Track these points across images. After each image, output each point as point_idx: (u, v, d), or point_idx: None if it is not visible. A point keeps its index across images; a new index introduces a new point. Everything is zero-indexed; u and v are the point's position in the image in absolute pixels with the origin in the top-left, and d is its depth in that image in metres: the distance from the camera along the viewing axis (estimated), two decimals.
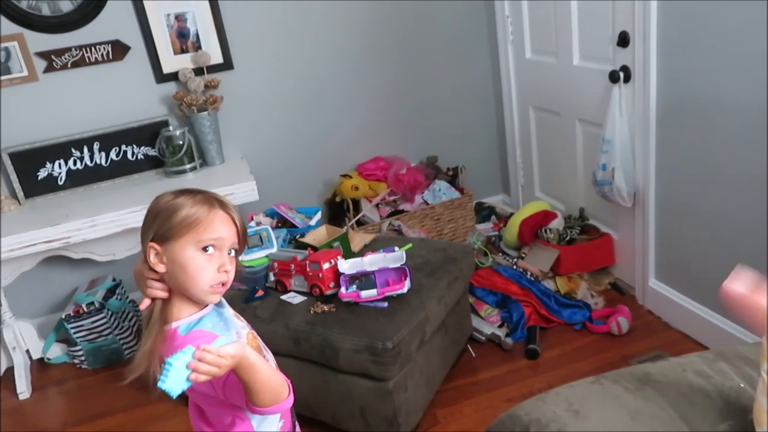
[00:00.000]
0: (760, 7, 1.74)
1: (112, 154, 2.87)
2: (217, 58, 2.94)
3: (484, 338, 2.49)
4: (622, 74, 2.34)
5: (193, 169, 2.86)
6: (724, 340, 2.17)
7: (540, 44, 2.94)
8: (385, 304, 1.93)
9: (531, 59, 3.03)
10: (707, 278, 2.22)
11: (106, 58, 2.79)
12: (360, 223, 3.05)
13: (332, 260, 2.04)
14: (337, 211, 3.18)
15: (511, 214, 3.26)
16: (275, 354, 2.02)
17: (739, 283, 0.97)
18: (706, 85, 2.01)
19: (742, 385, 1.06)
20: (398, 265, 1.99)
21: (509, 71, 3.23)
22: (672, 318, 2.44)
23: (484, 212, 3.38)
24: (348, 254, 2.24)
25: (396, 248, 2.27)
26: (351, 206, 3.07)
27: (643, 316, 2.53)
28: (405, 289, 1.94)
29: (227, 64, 2.97)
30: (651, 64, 2.20)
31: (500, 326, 2.53)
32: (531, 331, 2.47)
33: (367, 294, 1.94)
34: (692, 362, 1.15)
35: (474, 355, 2.44)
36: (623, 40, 2.31)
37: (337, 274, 2.04)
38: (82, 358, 2.77)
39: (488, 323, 2.52)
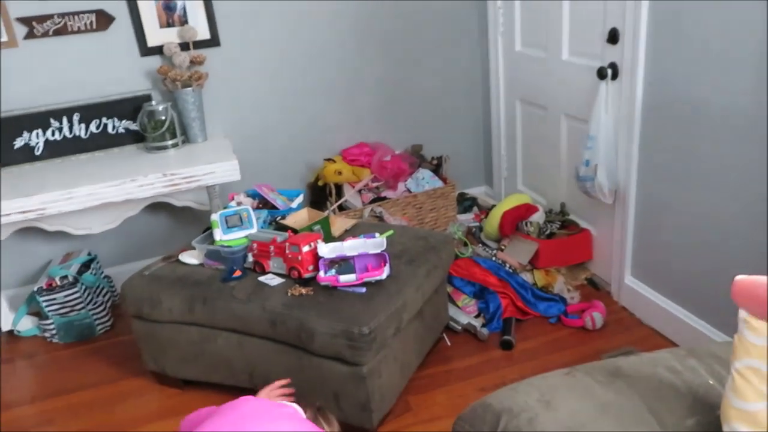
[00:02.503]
0: (750, 11, 1.76)
1: (92, 127, 2.82)
2: (203, 33, 2.89)
3: (460, 328, 2.50)
4: (610, 71, 2.35)
5: (175, 145, 2.82)
6: (694, 338, 2.20)
7: (530, 37, 2.93)
8: (363, 290, 1.93)
9: (520, 52, 3.03)
10: (682, 277, 2.25)
11: (89, 27, 2.72)
12: (342, 208, 3.04)
13: (312, 243, 2.03)
14: (320, 195, 3.16)
15: (493, 205, 3.27)
16: (250, 336, 2.02)
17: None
18: (691, 86, 2.03)
19: (711, 382, 1.08)
20: (378, 251, 1.99)
21: (498, 63, 3.22)
22: (645, 315, 2.47)
23: (466, 203, 3.38)
24: (328, 238, 2.23)
25: (377, 234, 2.26)
26: (333, 191, 3.05)
27: (617, 312, 2.56)
28: (384, 276, 1.94)
29: (214, 41, 2.92)
30: (639, 63, 2.21)
31: (477, 316, 2.55)
32: (507, 322, 2.49)
33: (345, 278, 1.93)
34: (663, 358, 1.17)
35: (449, 343, 2.45)
36: (613, 37, 2.32)
37: (316, 257, 2.03)
38: (54, 332, 2.73)
39: (465, 313, 2.53)
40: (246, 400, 1.47)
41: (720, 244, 2.05)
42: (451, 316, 2.50)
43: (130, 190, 2.50)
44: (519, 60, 3.06)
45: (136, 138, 2.89)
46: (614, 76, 2.35)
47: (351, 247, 2.03)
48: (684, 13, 1.99)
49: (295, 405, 1.51)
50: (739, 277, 0.99)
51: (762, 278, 0.97)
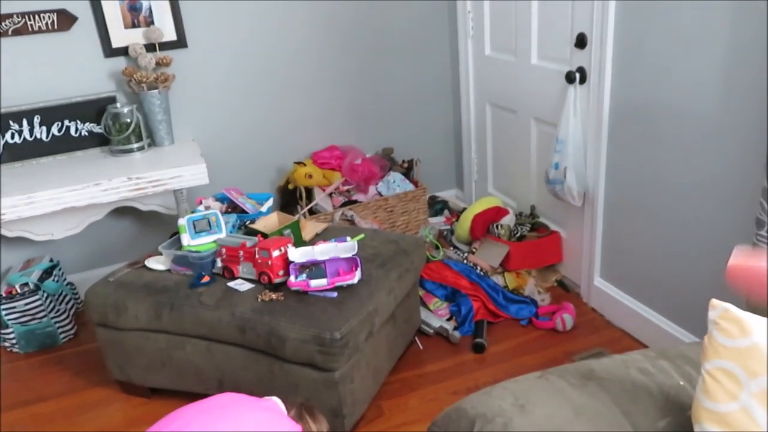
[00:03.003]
0: (716, 16, 1.79)
1: (54, 129, 2.74)
2: (170, 35, 2.84)
3: (432, 331, 2.49)
4: (578, 75, 2.37)
5: (141, 148, 2.75)
6: (663, 339, 2.24)
7: (500, 41, 2.95)
8: (335, 294, 1.91)
9: (490, 56, 3.05)
10: (650, 279, 2.29)
11: (50, 27, 2.65)
12: (312, 212, 3.01)
13: (282, 248, 2.00)
14: (290, 198, 3.13)
15: (464, 209, 3.28)
16: (219, 342, 1.98)
17: (740, 257, 1.00)
18: (657, 90, 2.06)
19: (682, 383, 1.09)
20: (350, 255, 1.97)
21: (468, 67, 3.24)
22: (614, 316, 2.50)
23: (437, 206, 3.38)
24: (299, 242, 2.20)
25: (348, 238, 2.24)
26: (304, 194, 3.02)
27: (587, 314, 2.58)
28: (355, 280, 1.92)
29: (180, 42, 2.87)
30: (606, 67, 2.24)
31: (448, 320, 2.54)
32: (478, 325, 2.49)
33: (316, 283, 1.91)
34: (635, 360, 1.18)
35: (421, 347, 2.45)
36: (581, 42, 2.34)
37: (286, 262, 2.00)
38: (14, 341, 2.64)
39: (437, 316, 2.53)
40: (224, 394, 1.45)
41: (687, 247, 2.08)
42: (423, 319, 2.49)
43: (94, 195, 2.43)
44: (489, 64, 3.07)
45: (100, 141, 2.82)
46: (582, 80, 2.38)
47: (322, 251, 2.00)
48: (650, 18, 2.02)
49: (276, 398, 1.48)
50: (733, 261, 1.02)
51: (758, 256, 0.99)
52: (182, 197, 2.66)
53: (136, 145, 2.74)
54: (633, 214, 2.30)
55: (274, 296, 1.93)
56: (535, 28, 2.64)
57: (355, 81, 3.26)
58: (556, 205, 2.72)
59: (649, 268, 2.28)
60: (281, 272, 1.99)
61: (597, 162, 2.40)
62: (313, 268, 1.99)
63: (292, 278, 1.94)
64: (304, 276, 1.99)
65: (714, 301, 1.01)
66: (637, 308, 2.36)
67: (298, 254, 1.99)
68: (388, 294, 2.02)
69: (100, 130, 2.78)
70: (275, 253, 1.98)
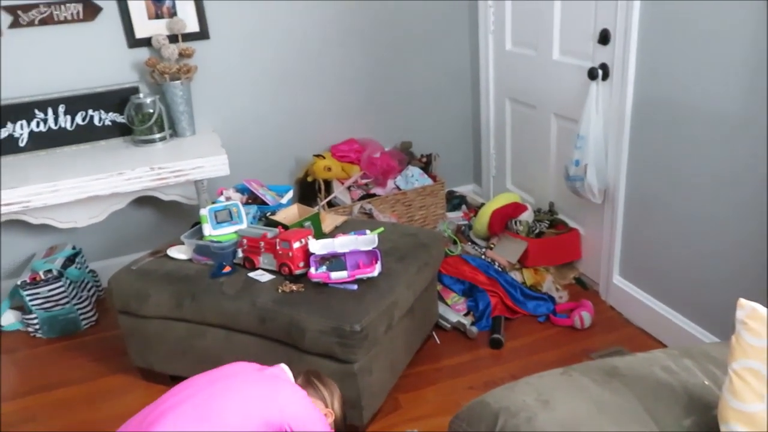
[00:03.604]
0: (743, 13, 1.77)
1: (78, 119, 2.77)
2: (192, 26, 2.86)
3: (449, 326, 2.50)
4: (600, 72, 2.36)
5: (163, 139, 2.78)
6: (682, 337, 2.22)
7: (521, 36, 2.94)
8: (355, 287, 1.92)
9: (511, 51, 3.03)
10: (670, 278, 2.27)
11: (75, 17, 2.68)
12: (331, 205, 3.02)
13: (303, 240, 2.02)
14: (308, 191, 3.14)
15: (482, 204, 3.28)
16: (239, 332, 2.00)
17: None
18: (681, 88, 2.04)
19: (706, 383, 1.08)
20: (370, 248, 1.98)
21: (488, 61, 3.22)
22: (633, 314, 2.49)
23: (455, 201, 3.38)
24: (319, 235, 2.22)
25: (367, 231, 2.25)
26: (323, 187, 3.04)
27: (605, 312, 2.57)
28: (375, 273, 1.93)
29: (203, 34, 2.89)
30: (630, 64, 2.22)
31: (466, 315, 2.55)
32: (496, 321, 2.49)
33: (337, 275, 1.92)
34: (658, 358, 1.17)
35: (439, 341, 2.45)
36: (604, 38, 2.33)
37: (307, 254, 2.01)
38: (37, 326, 2.69)
39: (454, 311, 2.53)
40: (232, 364, 1.60)
41: (709, 246, 2.07)
42: (440, 314, 2.50)
43: (116, 184, 2.46)
44: (509, 59, 3.06)
45: (122, 131, 2.85)
46: (605, 76, 2.36)
47: (342, 243, 2.02)
48: (676, 14, 2.00)
49: (283, 365, 1.56)
50: None
51: None
52: (203, 188, 2.69)
53: (158, 136, 2.76)
54: (653, 211, 2.29)
55: (294, 287, 1.95)
56: (558, 23, 2.63)
57: (375, 75, 3.26)
58: (575, 202, 2.71)
59: (668, 267, 2.27)
60: (301, 264, 2.01)
61: (618, 159, 2.38)
62: (333, 261, 2.01)
63: (312, 270, 1.96)
64: (324, 268, 2.00)
65: (742, 301, 1.01)
66: (656, 307, 2.35)
67: (318, 246, 2.00)
68: (407, 288, 2.03)
69: (123, 120, 2.81)
70: (296, 245, 1.99)
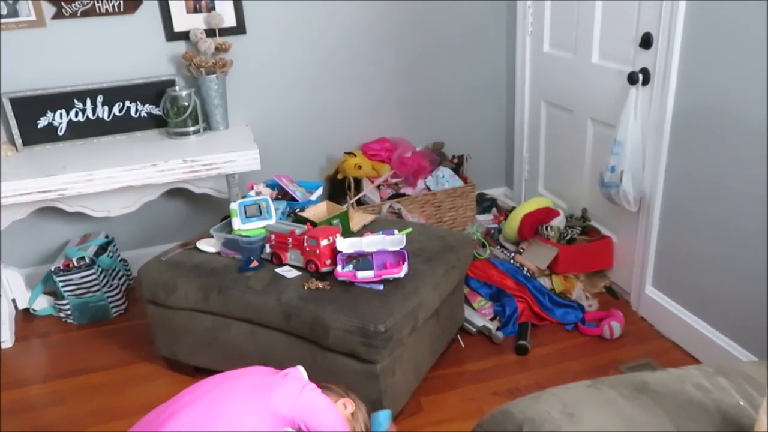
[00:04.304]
0: None
1: (115, 109, 2.81)
2: (230, 21, 2.88)
3: (474, 330, 2.47)
4: (641, 76, 2.30)
5: (197, 132, 2.81)
6: (716, 354, 2.16)
7: (559, 38, 2.89)
8: (381, 287, 1.91)
9: (548, 53, 2.98)
10: (706, 291, 2.21)
11: (116, 10, 2.72)
12: (360, 203, 3.01)
13: (331, 237, 2.01)
14: (338, 188, 3.14)
15: (513, 208, 3.24)
16: (264, 327, 2.01)
17: None
18: (725, 96, 1.98)
19: (741, 403, 1.04)
20: (397, 248, 1.97)
21: (525, 63, 3.18)
22: (664, 327, 2.42)
23: (485, 203, 3.34)
24: (347, 233, 2.21)
25: (395, 231, 2.23)
26: (353, 185, 3.03)
27: (636, 323, 2.51)
28: (402, 274, 1.91)
29: (240, 29, 2.91)
30: (672, 69, 2.16)
31: (492, 319, 2.51)
32: (522, 327, 2.45)
33: (363, 275, 1.91)
34: (691, 375, 1.13)
35: (463, 345, 2.43)
36: (646, 42, 2.26)
37: (334, 251, 2.01)
38: (68, 312, 2.74)
39: (480, 315, 2.50)
40: (248, 368, 1.62)
41: (747, 260, 2.00)
42: (466, 317, 2.47)
43: (150, 175, 2.49)
44: (546, 61, 3.01)
45: (158, 123, 2.88)
46: (645, 81, 2.30)
47: (370, 243, 2.00)
48: (723, 17, 1.94)
49: (300, 367, 1.57)
50: None
51: None
52: (234, 181, 2.71)
53: (192, 129, 2.79)
54: (691, 222, 2.22)
55: (320, 285, 1.95)
56: (598, 26, 2.57)
57: (410, 74, 3.24)
58: (609, 209, 2.65)
59: (705, 280, 2.20)
60: (328, 261, 2.00)
61: (655, 166, 2.32)
62: (360, 260, 2.00)
63: (339, 268, 1.95)
64: (350, 267, 2.00)
65: None
66: (690, 320, 2.29)
67: (346, 245, 1.99)
68: (433, 290, 2.01)
69: (158, 112, 2.85)
70: (323, 243, 1.99)
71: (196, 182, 2.68)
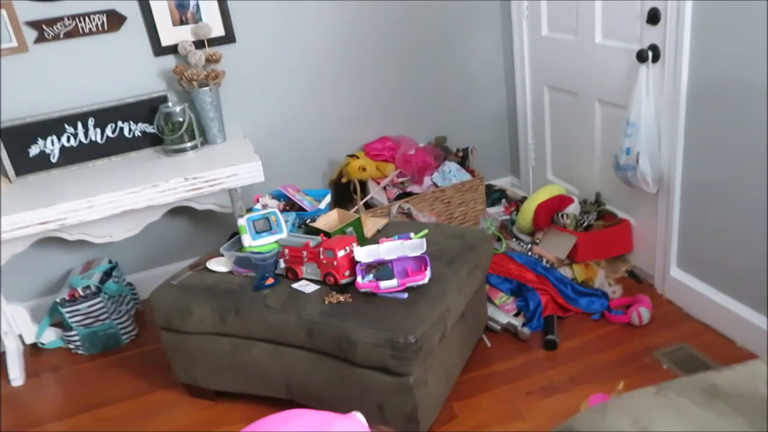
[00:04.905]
0: None
1: (108, 131, 2.72)
2: (218, 30, 2.79)
3: (499, 328, 2.40)
4: (650, 53, 2.22)
5: (194, 147, 2.71)
6: (751, 333, 2.10)
7: (558, 21, 2.81)
8: (405, 296, 1.83)
9: (547, 36, 2.90)
10: (733, 267, 2.14)
11: (100, 28, 2.62)
12: (368, 206, 2.93)
13: (347, 247, 1.93)
14: (343, 192, 3.06)
15: (523, 197, 3.17)
16: (286, 346, 1.93)
17: None
18: (743, 67, 1.91)
19: None
20: (418, 254, 1.89)
21: (523, 49, 3.10)
22: (693, 308, 2.36)
23: (494, 195, 3.27)
24: (362, 240, 2.13)
25: (412, 234, 2.17)
26: (358, 188, 2.95)
27: (663, 306, 2.45)
28: (426, 280, 1.84)
29: (229, 37, 2.81)
30: (684, 44, 2.08)
31: (516, 315, 2.45)
32: (548, 320, 2.38)
33: (386, 284, 1.83)
34: (760, 372, 1.06)
35: (489, 345, 2.36)
36: (653, 17, 2.19)
37: (352, 262, 1.93)
38: (78, 343, 2.66)
39: (504, 312, 2.43)
40: (296, 411, 1.38)
41: None
42: (489, 315, 2.40)
43: (151, 196, 2.40)
44: (546, 45, 2.93)
45: (153, 141, 2.79)
46: (655, 58, 2.23)
47: (388, 250, 1.93)
48: None
49: (358, 414, 1.39)
50: None
51: None
52: (237, 195, 2.62)
53: (189, 144, 2.70)
54: (714, 199, 2.15)
55: (341, 298, 1.87)
56: (600, 4, 2.49)
57: (405, 69, 3.16)
58: (623, 192, 2.59)
59: (732, 256, 2.14)
60: (347, 273, 1.93)
61: (673, 145, 2.25)
62: (380, 268, 1.92)
63: (359, 279, 1.87)
64: (371, 276, 1.92)
65: None
66: (721, 300, 2.22)
67: (364, 254, 1.92)
68: (458, 293, 1.94)
69: (153, 130, 2.76)
70: (340, 253, 1.91)
71: (198, 199, 2.59)
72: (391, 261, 1.91)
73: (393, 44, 3.09)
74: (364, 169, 2.97)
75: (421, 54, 3.16)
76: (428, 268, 1.87)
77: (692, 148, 2.20)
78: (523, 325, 2.38)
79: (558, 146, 3.08)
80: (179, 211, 2.88)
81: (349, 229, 2.12)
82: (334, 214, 2.27)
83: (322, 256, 1.94)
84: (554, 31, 2.86)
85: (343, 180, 3.04)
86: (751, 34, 1.85)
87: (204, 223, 3.03)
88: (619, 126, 2.44)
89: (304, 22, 2.91)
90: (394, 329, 1.72)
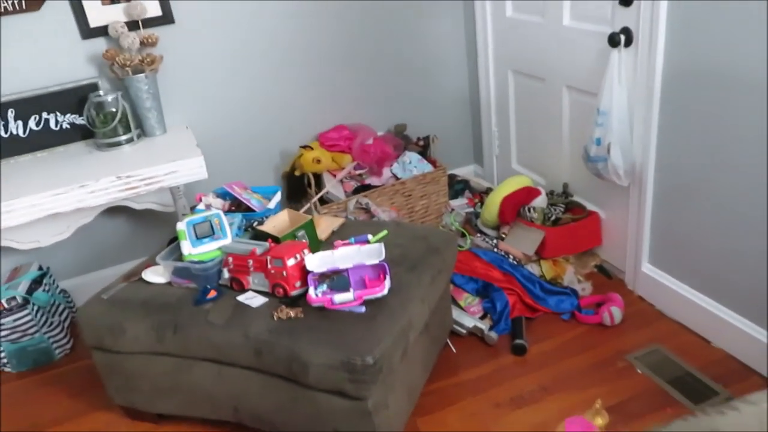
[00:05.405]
0: None
1: (32, 123, 2.45)
2: (154, 10, 2.52)
3: (465, 332, 2.25)
4: (623, 37, 2.07)
5: (130, 140, 2.46)
6: (728, 333, 2.00)
7: (524, 0, 2.63)
8: (363, 309, 1.65)
9: (512, 17, 2.73)
10: (708, 264, 2.04)
11: (17, 7, 2.33)
12: (323, 201, 2.74)
13: (298, 255, 1.74)
14: (297, 186, 2.86)
15: (488, 189, 3.02)
16: (232, 366, 1.74)
17: None
18: (723, 54, 1.77)
19: None
20: (376, 261, 1.71)
21: (486, 31, 2.92)
22: (667, 306, 2.25)
23: (457, 186, 3.11)
24: (315, 245, 1.94)
25: (369, 236, 1.99)
26: (312, 181, 2.75)
27: (635, 303, 2.34)
28: (385, 291, 1.66)
29: (167, 18, 2.55)
30: (659, 27, 1.93)
31: (482, 317, 2.30)
32: (516, 323, 2.25)
33: (341, 298, 1.65)
34: (764, 410, 0.93)
35: (455, 350, 2.21)
36: None
37: (304, 270, 1.74)
38: (5, 360, 2.41)
39: (469, 315, 2.28)
40: None
41: (753, 227, 1.82)
42: (454, 318, 2.25)
43: (80, 198, 2.16)
44: (511, 27, 2.76)
45: (84, 134, 2.53)
46: (628, 42, 2.08)
47: (344, 257, 1.75)
48: None
49: None
50: None
51: None
52: (179, 193, 2.40)
53: (124, 137, 2.45)
54: (689, 193, 2.03)
55: (292, 313, 1.68)
56: None
57: (361, 52, 2.94)
58: (593, 183, 2.45)
59: (706, 253, 2.03)
60: (298, 283, 1.74)
61: (646, 136, 2.12)
62: (335, 277, 1.74)
63: (311, 292, 1.69)
64: (324, 286, 1.74)
65: None
66: (695, 298, 2.12)
67: (316, 262, 1.73)
68: (421, 303, 1.77)
69: (83, 122, 2.49)
70: (290, 262, 1.72)
71: (136, 198, 2.35)
72: (346, 269, 1.72)
73: (348, 25, 2.87)
74: (318, 161, 2.77)
75: (379, 36, 2.95)
76: (387, 277, 1.69)
77: (666, 141, 2.07)
78: (491, 328, 2.24)
79: (524, 134, 2.92)
80: (117, 210, 2.63)
81: (301, 233, 1.93)
82: (285, 215, 2.07)
83: (269, 266, 1.74)
84: (519, 11, 2.69)
85: (297, 173, 2.83)
86: (733, 19, 1.71)
87: (145, 222, 2.79)
88: (588, 114, 2.30)
89: (251, 2, 2.66)
90: (350, 349, 1.54)
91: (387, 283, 1.68)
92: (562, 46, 2.43)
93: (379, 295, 1.65)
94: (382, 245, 1.75)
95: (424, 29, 3.02)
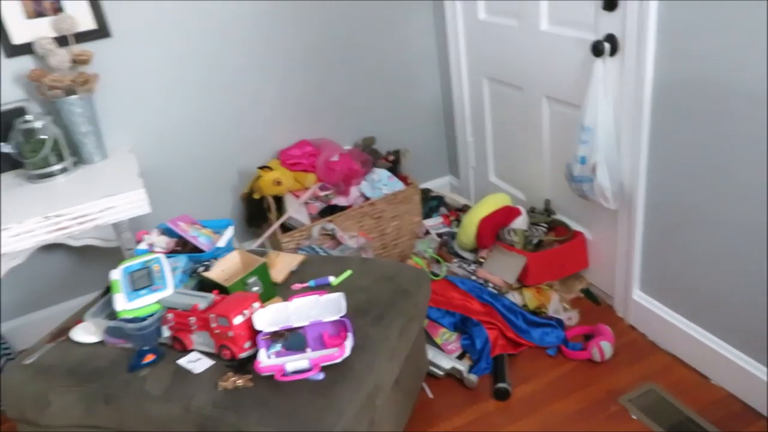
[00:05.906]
0: None
1: None
2: (87, 23, 2.26)
3: (442, 373, 2.04)
4: (608, 45, 1.86)
5: (64, 170, 2.20)
6: (725, 368, 1.83)
7: (497, 3, 2.41)
8: (321, 376, 1.43)
9: (486, 21, 2.51)
10: (703, 293, 1.85)
11: None
12: (285, 228, 2.50)
13: (246, 311, 1.51)
14: (257, 209, 2.62)
15: (464, 206, 2.81)
16: None
17: None
18: (718, 64, 1.57)
19: None
20: (336, 317, 1.49)
21: (457, 35, 2.69)
22: (660, 337, 2.07)
23: (432, 202, 2.89)
24: (268, 290, 1.72)
25: (331, 278, 1.77)
26: (273, 205, 2.51)
27: (626, 333, 2.15)
28: (346, 354, 1.44)
29: (102, 31, 2.29)
30: (648, 34, 1.73)
31: (461, 356, 2.10)
32: (498, 362, 2.05)
33: (294, 366, 1.42)
34: None
35: (431, 396, 2.00)
36: (610, 2, 1.82)
37: (253, 329, 1.51)
38: None
39: (446, 354, 2.08)
40: None
41: (752, 253, 1.64)
42: (430, 360, 2.04)
43: (3, 242, 1.90)
44: (484, 31, 2.54)
45: (14, 163, 2.26)
46: (613, 51, 1.87)
47: (299, 312, 1.53)
48: None
49: None
50: None
51: None
52: (123, 226, 2.15)
53: (57, 167, 2.19)
54: (683, 215, 1.84)
55: (239, 382, 1.45)
56: None
57: (324, 61, 2.70)
58: (577, 199, 2.25)
59: (702, 281, 1.84)
60: (247, 344, 1.51)
61: (635, 153, 1.92)
62: (289, 336, 1.51)
63: (262, 355, 1.46)
64: (278, 346, 1.51)
65: None
66: (691, 330, 1.93)
67: (267, 320, 1.51)
68: (389, 360, 1.55)
69: (10, 150, 2.22)
70: (237, 320, 1.49)
71: (73, 235, 2.10)
72: (303, 327, 1.50)
73: (309, 31, 2.62)
74: (279, 183, 2.53)
75: (343, 43, 2.71)
76: (350, 335, 1.47)
77: (657, 157, 1.87)
78: (470, 369, 2.03)
79: (501, 146, 2.71)
80: (54, 246, 2.37)
81: (252, 279, 1.70)
82: (236, 256, 1.84)
83: (214, 324, 1.51)
84: (493, 14, 2.47)
85: (256, 196, 2.59)
86: (728, 25, 1.51)
87: (88, 258, 2.53)
88: (571, 127, 2.10)
89: (195, 9, 2.40)
90: (306, 425, 1.32)
91: (349, 343, 1.46)
92: (541, 53, 2.22)
93: (338, 360, 1.43)
94: (342, 298, 1.53)
95: (394, 34, 2.79)
